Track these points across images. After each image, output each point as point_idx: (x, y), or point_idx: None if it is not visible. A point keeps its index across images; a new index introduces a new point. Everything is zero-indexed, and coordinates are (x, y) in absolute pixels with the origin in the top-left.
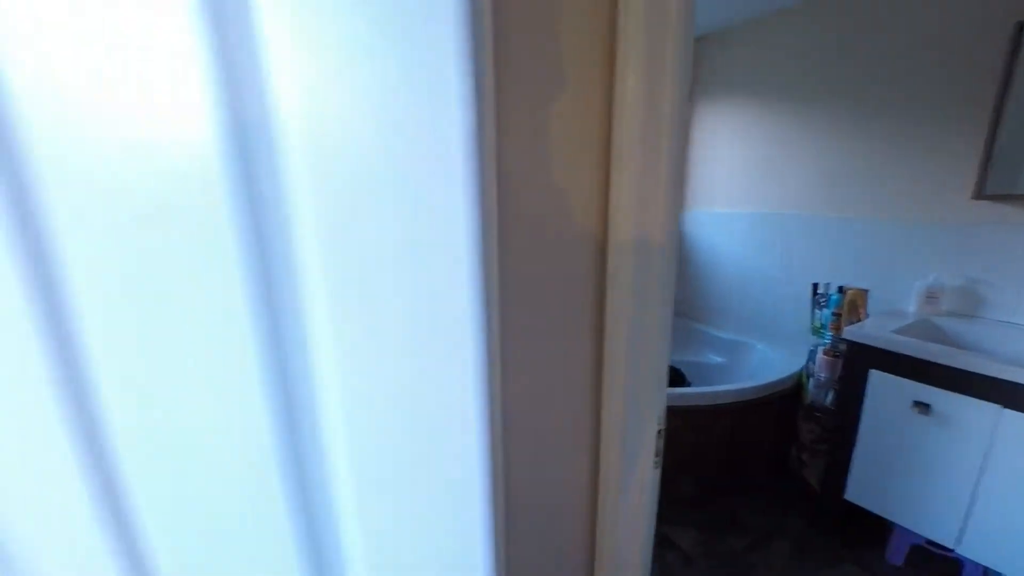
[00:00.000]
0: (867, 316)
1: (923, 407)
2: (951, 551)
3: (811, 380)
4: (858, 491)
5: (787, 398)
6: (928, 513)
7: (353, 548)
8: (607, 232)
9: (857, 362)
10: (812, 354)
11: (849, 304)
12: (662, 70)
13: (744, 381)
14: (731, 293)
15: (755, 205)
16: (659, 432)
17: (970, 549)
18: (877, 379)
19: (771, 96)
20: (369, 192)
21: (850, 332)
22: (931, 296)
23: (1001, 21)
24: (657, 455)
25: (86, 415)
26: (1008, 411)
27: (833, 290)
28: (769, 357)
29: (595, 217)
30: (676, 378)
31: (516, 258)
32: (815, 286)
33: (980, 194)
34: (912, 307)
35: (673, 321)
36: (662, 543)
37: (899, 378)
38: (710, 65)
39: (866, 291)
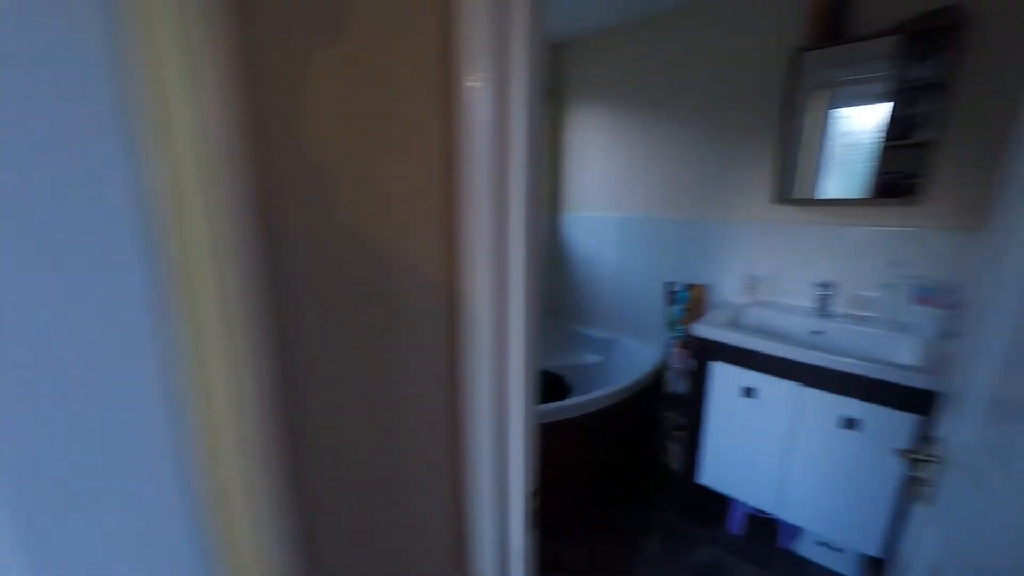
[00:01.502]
0: (707, 311)
1: (748, 391)
2: (772, 515)
3: (669, 371)
4: (708, 473)
5: (651, 389)
6: (755, 485)
7: None
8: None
9: (701, 355)
10: (669, 347)
11: (695, 300)
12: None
13: (618, 378)
14: (602, 293)
15: (620, 209)
16: (533, 494)
17: (784, 511)
18: (718, 369)
19: (626, 104)
20: None
21: (694, 328)
22: (749, 287)
23: (779, 48)
24: (532, 518)
25: None
26: (808, 389)
27: (681, 287)
28: (636, 351)
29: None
30: (557, 386)
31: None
32: (668, 284)
33: (778, 199)
34: (739, 299)
35: (550, 323)
36: (547, 565)
37: (732, 366)
38: (577, 70)
39: (704, 287)
